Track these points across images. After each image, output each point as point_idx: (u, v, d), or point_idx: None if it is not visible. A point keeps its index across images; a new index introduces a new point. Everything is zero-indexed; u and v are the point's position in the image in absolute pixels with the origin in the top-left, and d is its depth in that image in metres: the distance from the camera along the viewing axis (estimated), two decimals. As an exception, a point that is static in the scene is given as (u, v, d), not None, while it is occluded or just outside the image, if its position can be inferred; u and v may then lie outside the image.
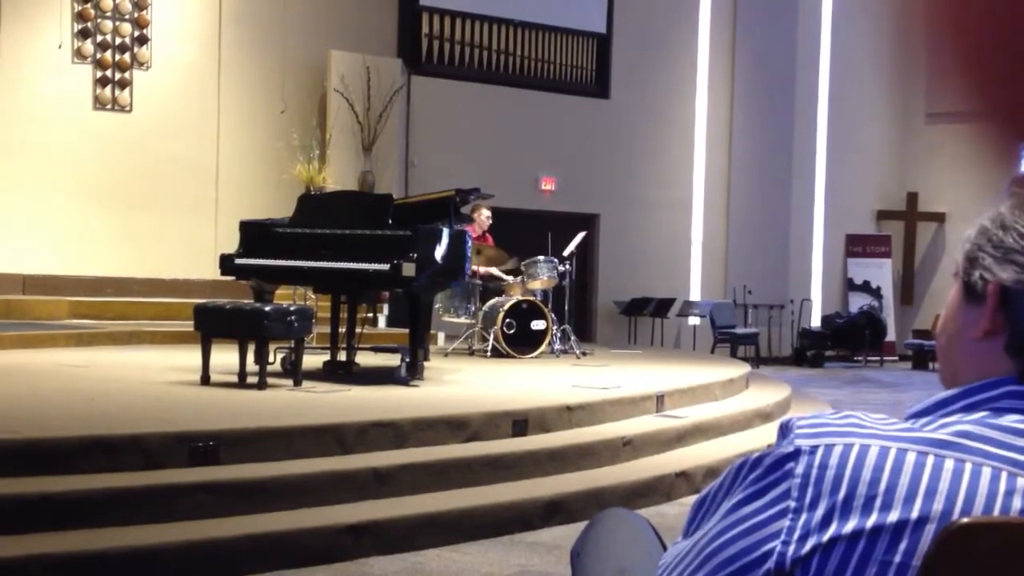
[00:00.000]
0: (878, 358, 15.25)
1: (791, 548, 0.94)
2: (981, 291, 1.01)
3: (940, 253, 16.18)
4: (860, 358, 15.21)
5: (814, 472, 0.95)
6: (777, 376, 10.60)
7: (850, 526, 0.92)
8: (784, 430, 1.00)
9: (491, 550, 4.06)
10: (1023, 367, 0.99)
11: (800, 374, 12.91)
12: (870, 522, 0.92)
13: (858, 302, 15.87)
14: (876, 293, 16.09)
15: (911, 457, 0.93)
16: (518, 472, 4.73)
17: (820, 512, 0.94)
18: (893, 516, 0.92)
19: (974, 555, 0.89)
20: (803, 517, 0.94)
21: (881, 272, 16.19)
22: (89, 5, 10.49)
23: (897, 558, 0.91)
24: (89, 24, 10.50)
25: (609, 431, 5.52)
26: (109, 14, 10.59)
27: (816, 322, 15.57)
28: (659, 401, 6.32)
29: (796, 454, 0.96)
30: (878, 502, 0.92)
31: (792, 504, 0.95)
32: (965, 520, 0.90)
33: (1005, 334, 1.00)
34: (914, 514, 0.91)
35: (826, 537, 0.93)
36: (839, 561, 0.92)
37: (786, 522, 0.95)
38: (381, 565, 3.79)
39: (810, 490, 0.95)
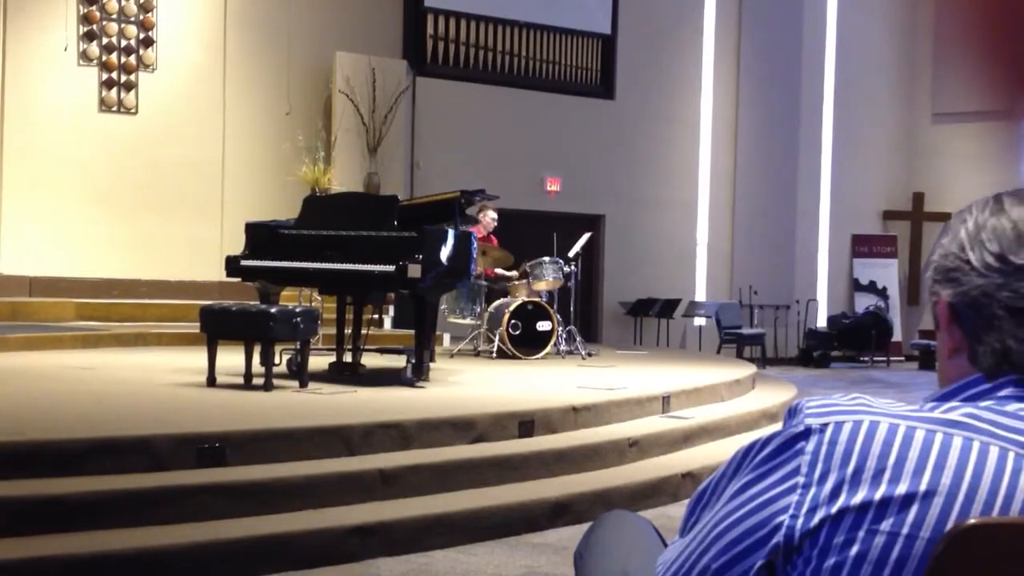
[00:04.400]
0: (884, 358, 15.22)
1: (799, 521, 0.95)
2: (935, 313, 1.07)
3: (946, 253, 16.10)
4: (866, 358, 15.17)
5: (824, 448, 0.96)
6: (783, 376, 10.60)
7: (859, 497, 0.93)
8: (793, 412, 1.02)
9: (497, 551, 4.05)
10: (986, 373, 1.02)
11: (806, 374, 12.89)
12: (879, 494, 0.93)
13: (864, 302, 15.84)
14: (882, 293, 16.06)
15: (920, 434, 0.95)
16: (524, 473, 4.73)
17: (829, 485, 0.95)
18: (902, 488, 0.93)
19: (982, 556, 0.89)
20: (812, 491, 0.95)
21: (887, 272, 16.15)
22: (95, 8, 10.52)
23: (905, 530, 0.92)
24: (95, 26, 10.53)
25: (615, 432, 5.51)
26: (115, 16, 10.62)
27: (822, 322, 15.54)
28: (665, 402, 6.32)
29: (807, 433, 0.98)
30: (887, 475, 0.93)
31: (801, 480, 0.96)
32: (973, 521, 0.90)
33: (967, 348, 1.04)
34: (922, 487, 0.92)
35: (835, 509, 0.94)
36: (847, 533, 0.93)
37: (795, 497, 0.96)
38: (388, 566, 3.79)
39: (819, 465, 0.96)
